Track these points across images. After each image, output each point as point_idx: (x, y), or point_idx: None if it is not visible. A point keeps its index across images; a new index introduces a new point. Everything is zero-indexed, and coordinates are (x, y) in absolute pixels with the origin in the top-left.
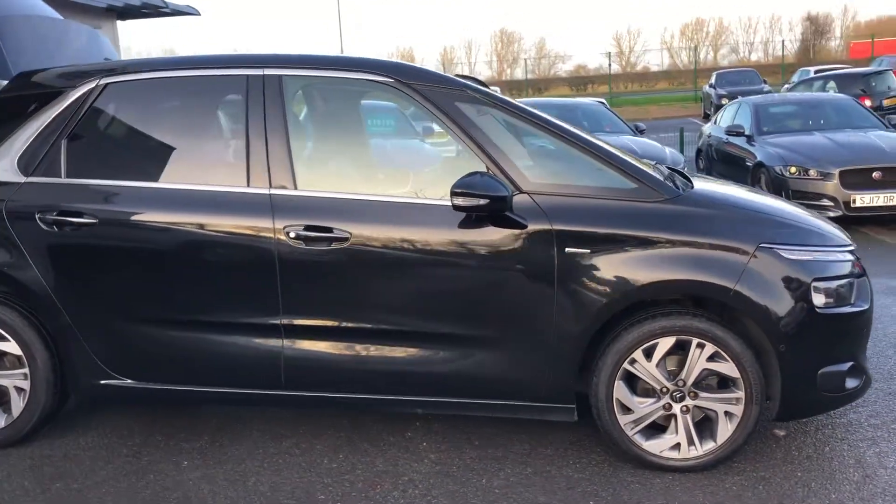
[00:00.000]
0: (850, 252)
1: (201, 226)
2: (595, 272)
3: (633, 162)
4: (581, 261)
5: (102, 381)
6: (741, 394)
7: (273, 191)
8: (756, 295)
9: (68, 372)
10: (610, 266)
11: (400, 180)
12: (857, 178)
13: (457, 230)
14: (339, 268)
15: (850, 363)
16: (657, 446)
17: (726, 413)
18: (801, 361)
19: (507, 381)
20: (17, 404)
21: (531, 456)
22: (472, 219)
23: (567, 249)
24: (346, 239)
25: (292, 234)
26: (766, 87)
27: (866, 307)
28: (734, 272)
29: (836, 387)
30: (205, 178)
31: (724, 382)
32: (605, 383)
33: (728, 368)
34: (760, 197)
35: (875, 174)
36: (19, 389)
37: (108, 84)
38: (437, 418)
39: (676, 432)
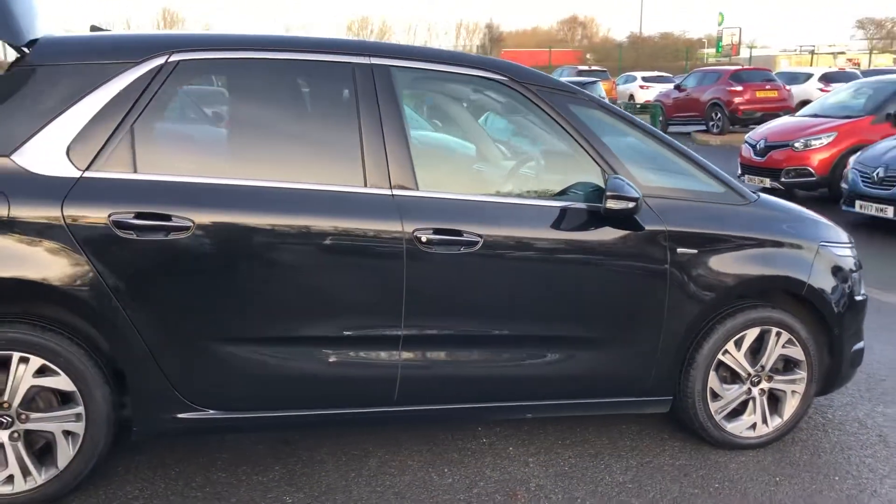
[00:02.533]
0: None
1: (316, 230)
2: (701, 271)
3: (715, 167)
4: (689, 261)
5: (180, 415)
6: (804, 374)
7: (395, 191)
8: (821, 286)
9: (136, 407)
10: (713, 265)
11: (511, 180)
12: None
13: (578, 232)
14: (464, 273)
15: (863, 341)
16: (738, 428)
17: (793, 392)
18: (845, 342)
19: (616, 378)
20: (66, 452)
21: (621, 448)
22: (593, 221)
23: (679, 250)
24: (476, 243)
25: (423, 239)
26: None
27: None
28: (806, 267)
29: (858, 361)
30: (312, 175)
31: (789, 365)
32: (703, 373)
33: (796, 353)
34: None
35: None
36: (69, 434)
37: (181, 61)
38: (494, 423)
39: (754, 413)
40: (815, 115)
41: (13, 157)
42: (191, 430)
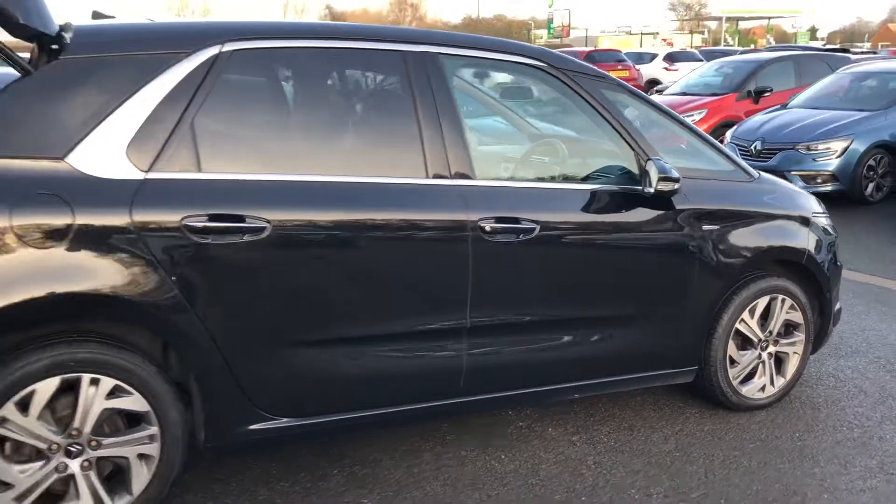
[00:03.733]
0: None
1: (388, 225)
2: (722, 246)
3: (724, 147)
4: (713, 236)
5: (253, 427)
6: (803, 336)
7: (456, 181)
8: (816, 254)
9: (209, 422)
10: (733, 239)
11: (555, 165)
12: None
13: (618, 214)
14: (522, 260)
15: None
16: (750, 391)
17: (794, 353)
18: (832, 304)
19: (652, 353)
20: (142, 476)
21: (649, 420)
22: (631, 203)
23: (704, 227)
24: (532, 230)
25: (487, 228)
26: None
27: None
28: (805, 237)
29: (837, 320)
30: (375, 168)
31: (790, 329)
32: (723, 342)
33: (797, 317)
34: None
35: None
36: (144, 457)
37: (235, 51)
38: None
39: (763, 375)
40: (684, 94)
41: (68, 159)
42: (264, 441)
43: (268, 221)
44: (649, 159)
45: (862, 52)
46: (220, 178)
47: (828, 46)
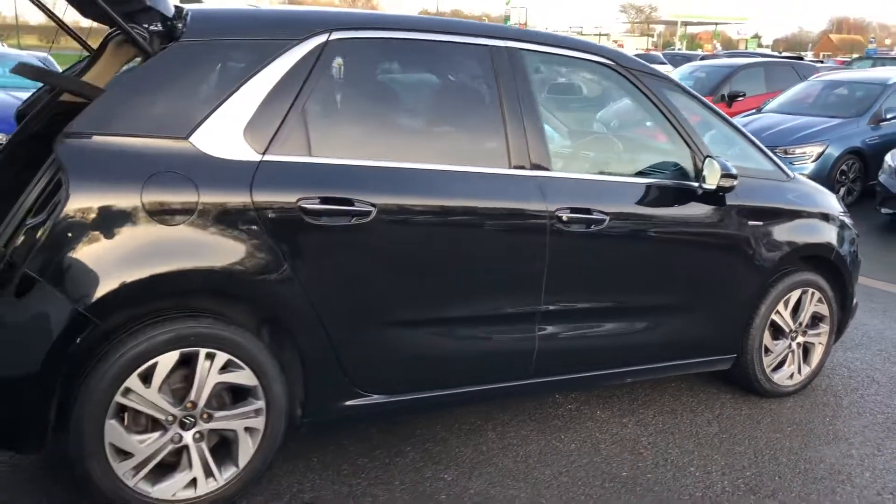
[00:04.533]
0: None
1: (475, 212)
2: (766, 240)
3: (765, 147)
4: (757, 231)
5: (348, 403)
6: (827, 327)
7: (535, 172)
8: (842, 250)
9: (309, 398)
10: (774, 235)
11: (618, 159)
12: None
13: (677, 208)
14: (592, 249)
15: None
16: (781, 378)
17: (819, 343)
18: (853, 298)
19: (696, 341)
20: (248, 449)
21: (689, 405)
22: (687, 198)
23: (749, 222)
24: (603, 221)
25: (564, 218)
26: None
27: None
28: (834, 234)
29: (854, 313)
30: (464, 157)
31: (815, 320)
32: (760, 332)
33: (823, 309)
34: None
35: None
36: (249, 430)
37: (340, 39)
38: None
39: (793, 364)
40: None
41: (191, 139)
42: (356, 417)
43: (373, 205)
44: (708, 157)
45: (812, 61)
46: (330, 162)
47: (785, 54)
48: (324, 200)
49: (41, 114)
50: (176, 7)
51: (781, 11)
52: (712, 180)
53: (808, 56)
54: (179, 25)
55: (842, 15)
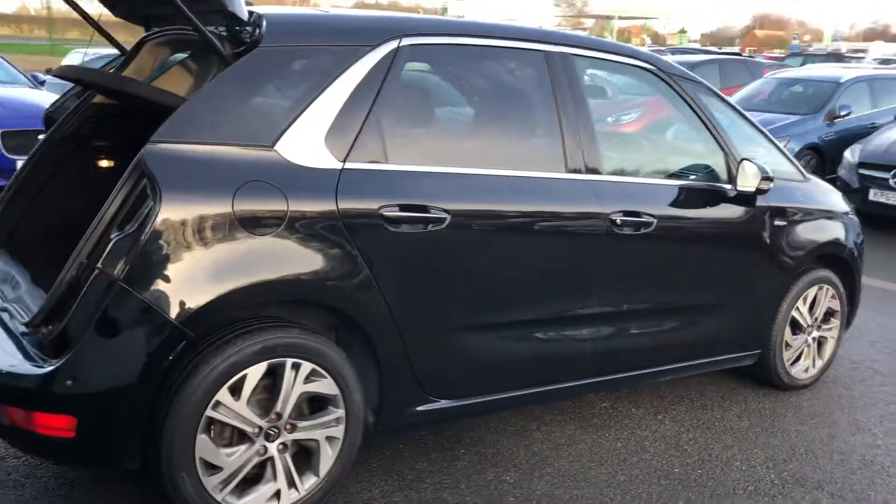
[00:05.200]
0: None
1: (538, 216)
2: (790, 239)
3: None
4: (782, 231)
5: (419, 409)
6: (839, 322)
7: (589, 176)
8: (852, 248)
9: (384, 405)
10: (798, 234)
11: (658, 162)
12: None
13: (714, 209)
14: (642, 252)
15: None
16: (798, 371)
17: (831, 337)
18: (860, 290)
19: (728, 338)
20: (328, 458)
21: (716, 399)
22: (722, 199)
23: (776, 222)
24: (651, 223)
25: (618, 221)
26: None
27: None
28: (845, 233)
29: (857, 307)
30: (525, 162)
31: (827, 315)
32: (782, 328)
33: (836, 305)
34: None
35: None
36: (330, 439)
37: (410, 45)
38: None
39: (808, 357)
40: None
41: (276, 147)
42: (425, 423)
43: (447, 212)
44: (745, 159)
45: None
46: (406, 169)
47: (725, 50)
48: (402, 208)
49: (75, 115)
50: (251, 13)
51: (707, 6)
52: (752, 182)
53: (736, 52)
54: (250, 30)
55: (763, 11)
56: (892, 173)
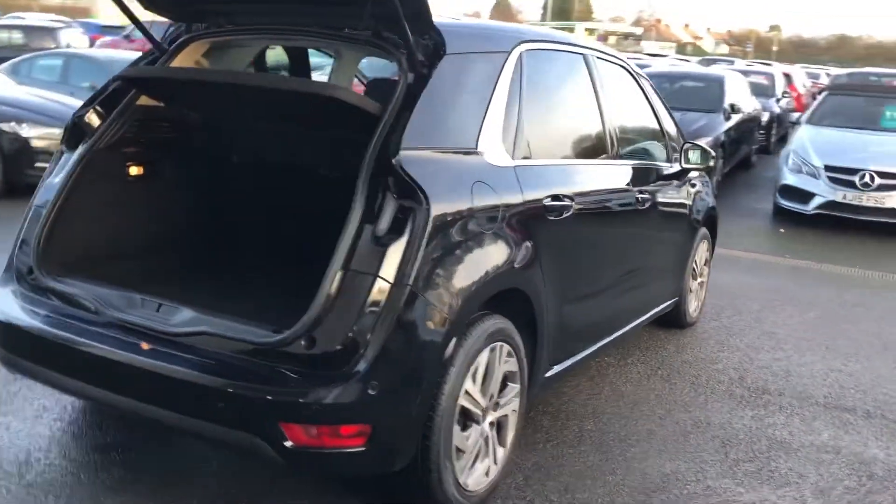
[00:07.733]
0: None
1: (609, 197)
2: (699, 202)
3: None
4: (693, 196)
5: (547, 375)
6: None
7: (622, 161)
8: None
9: (534, 374)
10: (703, 197)
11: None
12: None
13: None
14: (640, 226)
15: None
16: (695, 309)
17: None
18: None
19: (664, 291)
20: (512, 429)
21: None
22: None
23: (690, 190)
24: (647, 201)
25: (639, 198)
26: None
27: None
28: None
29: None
30: (591, 153)
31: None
32: (689, 274)
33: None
34: None
35: None
36: (513, 412)
37: (527, 51)
38: None
39: (699, 298)
40: None
41: (479, 149)
42: (546, 389)
43: (572, 199)
44: (686, 143)
45: None
46: (548, 163)
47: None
48: (553, 198)
49: (118, 120)
50: None
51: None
52: (702, 161)
53: None
54: (432, 36)
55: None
56: None
